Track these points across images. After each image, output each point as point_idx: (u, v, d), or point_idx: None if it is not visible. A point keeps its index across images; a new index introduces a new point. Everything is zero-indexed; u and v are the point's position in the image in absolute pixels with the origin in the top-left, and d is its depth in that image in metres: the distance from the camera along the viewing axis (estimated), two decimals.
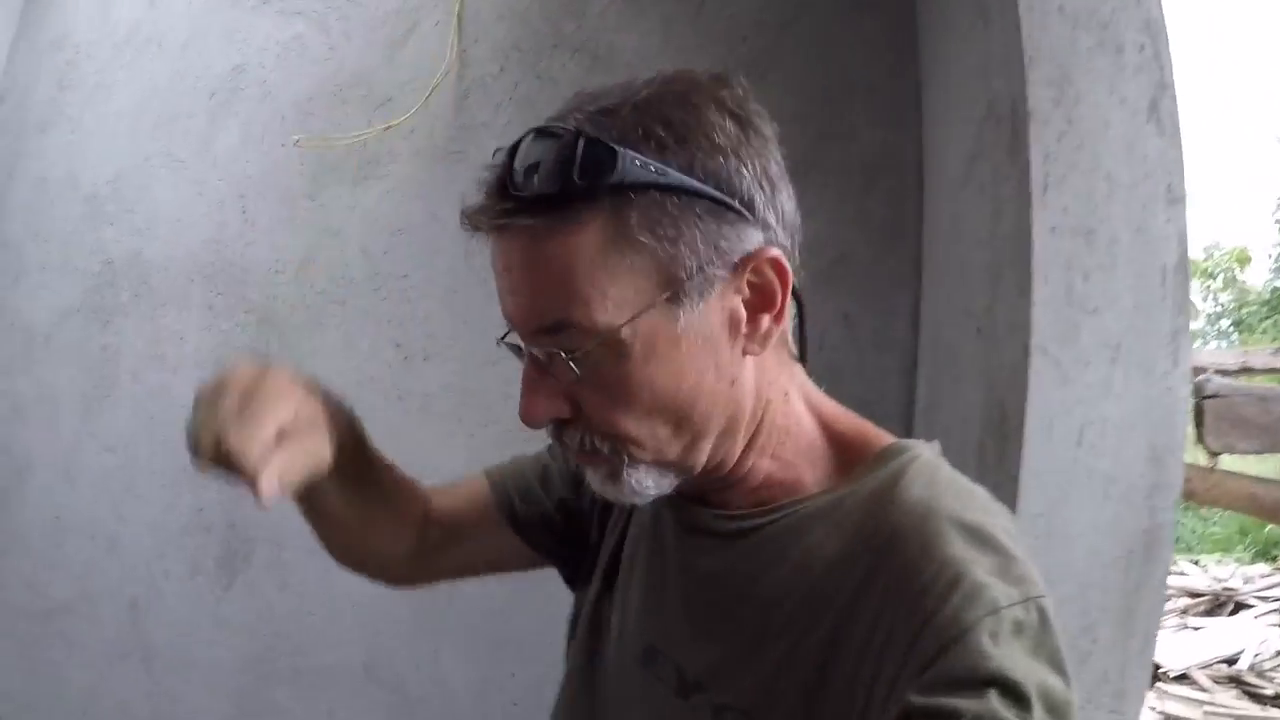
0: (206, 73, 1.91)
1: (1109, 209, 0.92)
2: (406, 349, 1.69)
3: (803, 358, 0.61)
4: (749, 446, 0.57)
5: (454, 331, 1.65)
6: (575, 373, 0.51)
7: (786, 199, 0.55)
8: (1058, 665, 0.45)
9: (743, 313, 0.53)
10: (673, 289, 0.50)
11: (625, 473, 0.54)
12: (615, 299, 0.50)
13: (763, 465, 0.58)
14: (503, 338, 0.56)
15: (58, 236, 2.02)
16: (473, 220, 0.51)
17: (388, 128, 1.69)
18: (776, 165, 0.54)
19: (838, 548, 0.52)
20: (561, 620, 0.75)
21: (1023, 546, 0.49)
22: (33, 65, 2.11)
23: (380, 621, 1.64)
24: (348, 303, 1.74)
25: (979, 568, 0.46)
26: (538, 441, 0.69)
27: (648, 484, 0.55)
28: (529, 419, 0.53)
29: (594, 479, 0.56)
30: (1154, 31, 0.94)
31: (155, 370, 1.88)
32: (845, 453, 0.58)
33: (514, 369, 0.56)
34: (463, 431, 1.62)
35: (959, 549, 0.47)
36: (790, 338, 0.59)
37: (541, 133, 0.50)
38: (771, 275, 0.53)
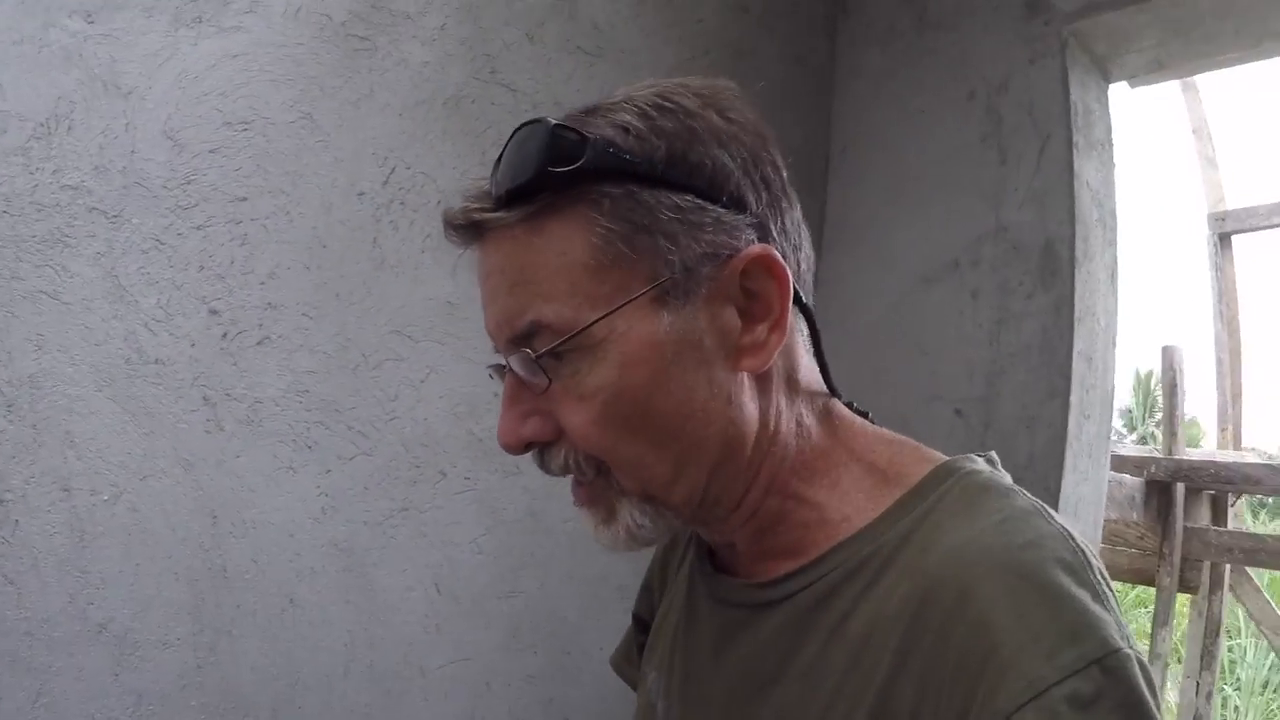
0: None
1: None
2: (226, 323, 1.04)
3: (831, 389, 0.55)
4: (754, 481, 0.51)
5: (313, 304, 1.06)
6: (547, 380, 0.47)
7: (789, 208, 0.51)
8: None
9: (737, 321, 0.49)
10: (654, 286, 0.46)
11: (618, 509, 0.50)
12: (589, 294, 0.46)
13: (775, 505, 0.52)
14: (492, 365, 0.53)
15: None
16: (452, 222, 0.49)
17: None
18: (774, 171, 0.50)
19: (874, 611, 0.46)
20: None
21: (1090, 580, 0.41)
22: None
23: None
24: (123, 219, 1.02)
25: (1021, 632, 0.39)
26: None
27: (644, 523, 0.50)
28: (506, 440, 0.49)
29: (589, 525, 0.52)
30: None
31: None
32: (882, 487, 0.51)
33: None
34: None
35: (999, 610, 0.40)
36: (803, 361, 0.53)
37: (520, 128, 0.47)
38: (767, 280, 0.48)
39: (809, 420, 0.52)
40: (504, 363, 0.50)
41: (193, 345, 1.03)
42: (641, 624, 0.71)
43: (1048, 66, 1.32)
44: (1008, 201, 1.32)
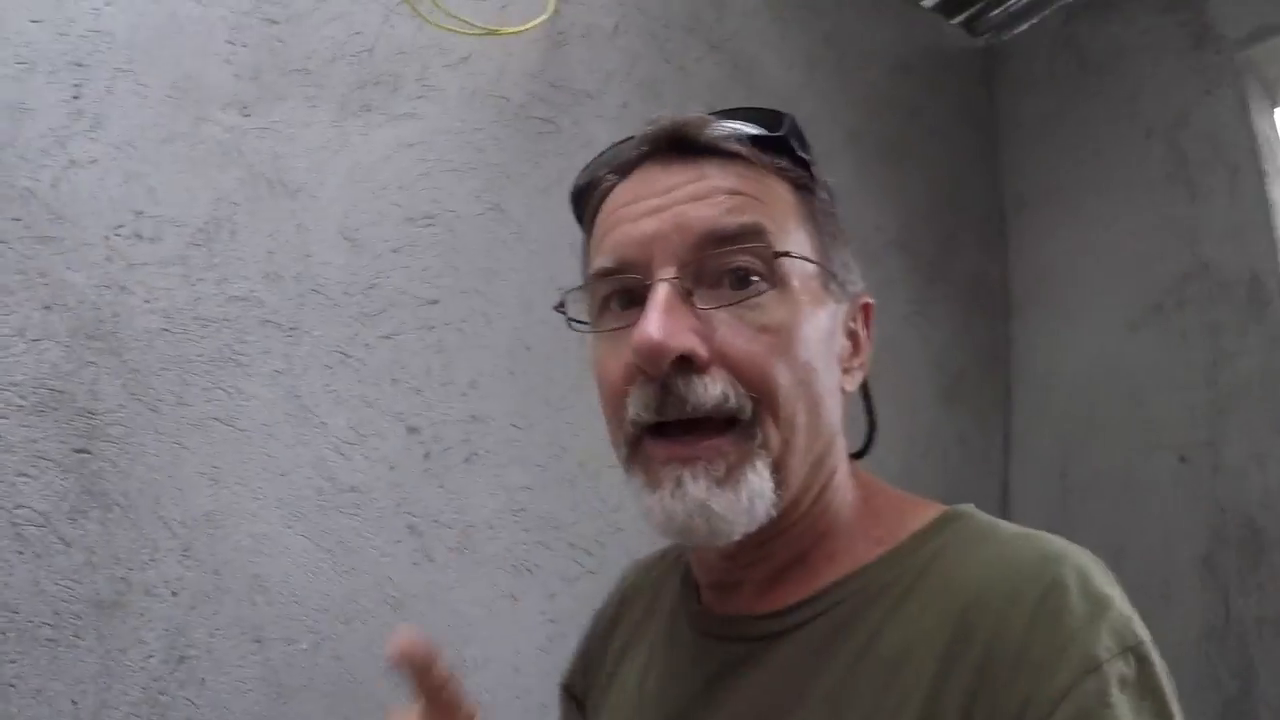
0: None
1: None
2: (427, 440, 0.89)
3: (864, 451, 0.57)
4: (822, 493, 0.51)
5: (518, 412, 0.92)
6: (769, 285, 0.47)
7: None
8: (1164, 714, 0.41)
9: (849, 344, 0.53)
10: (831, 273, 0.51)
11: (748, 468, 0.46)
12: (798, 241, 0.49)
13: (820, 535, 0.52)
14: (572, 291, 0.52)
15: None
16: (679, 131, 0.50)
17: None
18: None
19: (906, 630, 0.46)
20: None
21: (1109, 584, 0.45)
22: None
23: None
24: (302, 331, 0.89)
25: (1071, 623, 0.42)
26: None
27: (765, 493, 0.46)
28: (663, 340, 0.44)
29: (698, 487, 0.45)
30: None
31: None
32: (892, 526, 0.52)
33: None
34: None
35: (1050, 605, 0.42)
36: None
37: (732, 112, 0.52)
38: (864, 327, 0.54)
39: (839, 460, 0.54)
40: (654, 280, 0.47)
41: (391, 468, 0.89)
42: (572, 696, 0.67)
43: (1224, 96, 1.27)
44: (1204, 238, 1.26)
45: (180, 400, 0.87)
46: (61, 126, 0.91)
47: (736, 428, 0.47)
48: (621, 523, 0.99)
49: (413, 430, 0.91)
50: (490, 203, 0.98)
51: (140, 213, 0.90)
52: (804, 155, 0.52)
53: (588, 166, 0.56)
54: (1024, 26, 1.51)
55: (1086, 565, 0.45)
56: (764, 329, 0.47)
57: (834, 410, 0.51)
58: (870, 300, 0.54)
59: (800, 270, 0.48)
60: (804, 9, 1.31)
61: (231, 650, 0.84)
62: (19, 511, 0.84)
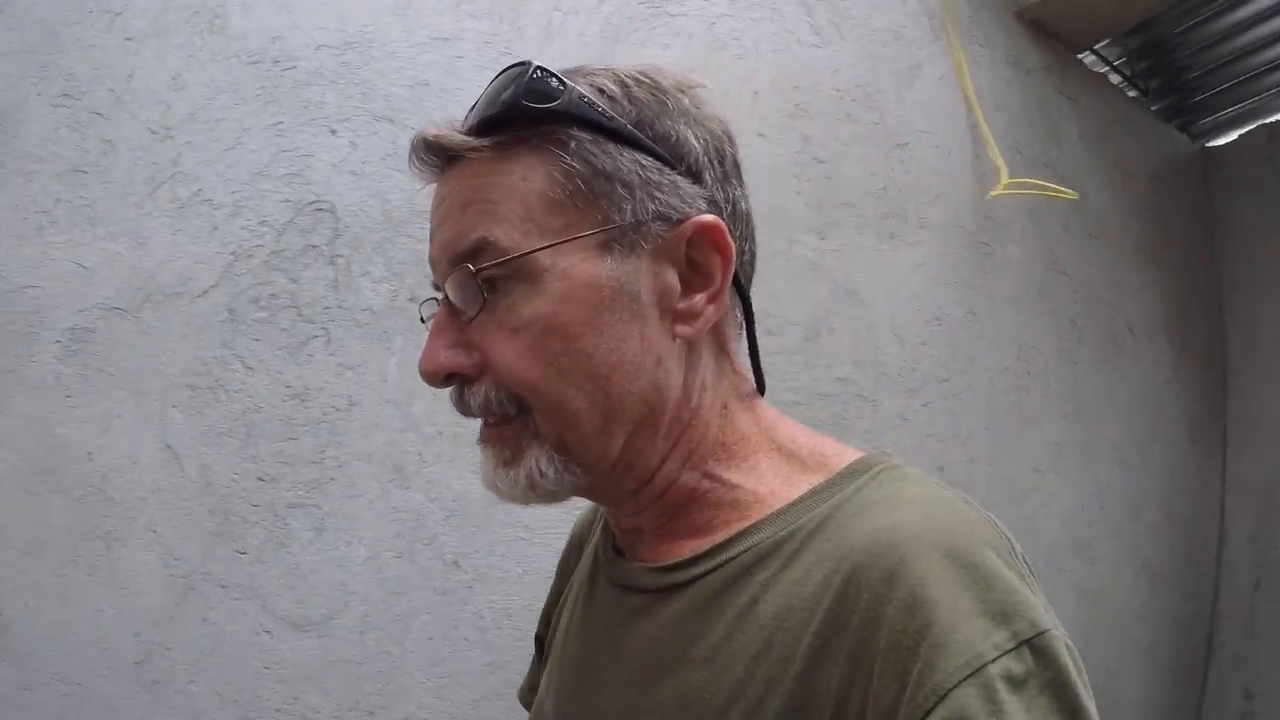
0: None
1: None
2: (950, 473, 1.28)
3: (760, 389, 0.55)
4: (670, 453, 0.50)
5: (992, 454, 1.33)
6: (483, 299, 0.47)
7: (740, 194, 0.52)
8: (1071, 711, 0.36)
9: (676, 284, 0.49)
10: (602, 230, 0.47)
11: (526, 452, 0.48)
12: (540, 224, 0.47)
13: (691, 481, 0.51)
14: (426, 299, 0.53)
15: None
16: (420, 149, 0.50)
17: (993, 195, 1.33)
18: (733, 162, 0.52)
19: (788, 594, 0.44)
20: None
21: (1016, 564, 0.41)
22: None
23: None
24: (878, 402, 1.23)
25: (955, 610, 0.37)
26: None
27: (548, 473, 0.48)
28: (429, 367, 0.48)
29: (489, 466, 0.50)
30: None
31: None
32: (802, 470, 0.50)
33: None
34: None
35: (931, 589, 0.38)
36: (734, 347, 0.53)
37: (505, 69, 0.49)
38: (711, 252, 0.49)
39: (734, 404, 0.52)
40: (438, 295, 0.50)
41: None
42: (542, 647, 0.69)
43: None
44: None
45: None
46: None
47: (514, 421, 0.49)
48: None
49: (940, 469, 1.29)
50: (967, 308, 1.36)
51: (767, 313, 1.20)
52: (540, 106, 0.47)
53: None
54: (1234, 135, 1.92)
55: (980, 539, 0.41)
56: (515, 330, 0.47)
57: (643, 373, 0.48)
58: (706, 219, 0.48)
59: (554, 253, 0.47)
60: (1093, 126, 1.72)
61: None
62: None
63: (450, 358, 0.48)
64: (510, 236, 0.46)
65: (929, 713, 0.35)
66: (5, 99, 1.10)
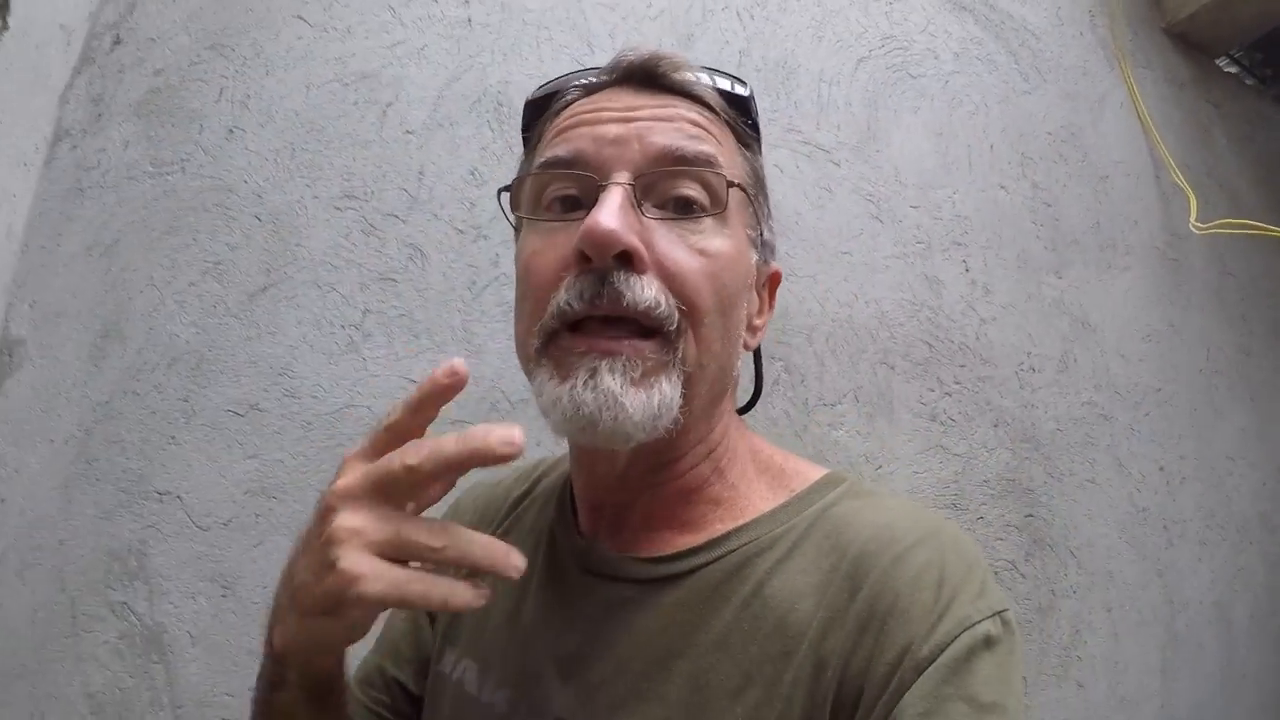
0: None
1: None
2: (1169, 471, 1.44)
3: (748, 408, 0.61)
4: (706, 437, 0.53)
5: (1197, 449, 1.50)
6: (725, 202, 0.49)
7: None
8: (1016, 680, 0.44)
9: (757, 302, 0.55)
10: (758, 232, 0.54)
11: (664, 374, 0.47)
12: (742, 180, 0.52)
13: (705, 472, 0.53)
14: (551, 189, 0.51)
15: None
16: (654, 65, 0.51)
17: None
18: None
19: (798, 578, 0.48)
20: None
21: (977, 556, 0.48)
22: None
23: None
24: (1115, 419, 1.38)
25: (952, 584, 0.45)
26: None
27: (672, 405, 0.47)
28: (619, 228, 0.45)
29: (613, 379, 0.45)
30: None
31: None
32: (779, 481, 0.55)
33: None
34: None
35: (933, 568, 0.46)
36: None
37: (730, 75, 0.56)
38: (770, 292, 0.58)
39: (732, 417, 0.56)
40: (625, 183, 0.48)
41: (1156, 494, 1.44)
42: (430, 622, 0.65)
43: None
44: None
45: (1072, 471, 1.34)
46: (968, 294, 1.29)
47: (658, 337, 0.47)
48: None
49: (1160, 469, 1.46)
50: (1168, 321, 1.52)
51: (1029, 353, 1.33)
52: (756, 121, 0.54)
53: (551, 81, 0.56)
54: None
55: (960, 537, 0.49)
56: (701, 251, 0.48)
57: (738, 353, 0.52)
58: (779, 270, 0.57)
59: (739, 211, 0.51)
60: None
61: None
62: (991, 561, 1.26)
63: (635, 235, 0.46)
64: (730, 171, 0.51)
65: (937, 656, 0.43)
66: (276, 201, 1.12)
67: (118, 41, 1.20)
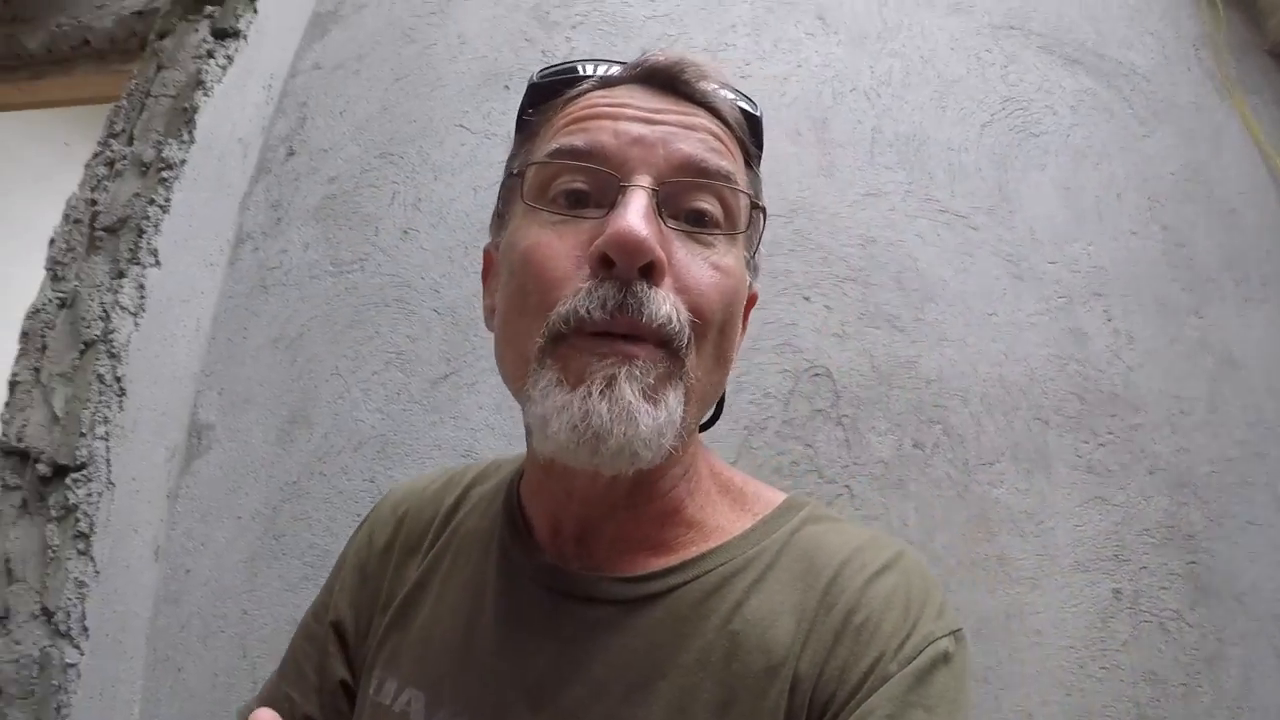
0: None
1: None
2: None
3: (708, 425, 0.59)
4: (682, 457, 0.53)
5: None
6: (746, 224, 0.51)
7: None
8: (967, 691, 0.47)
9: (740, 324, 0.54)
10: (754, 255, 0.56)
11: (671, 391, 0.46)
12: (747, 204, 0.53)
13: (683, 493, 0.54)
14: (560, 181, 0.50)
15: None
16: (679, 71, 0.51)
17: None
18: None
19: (776, 598, 0.50)
20: None
21: (930, 579, 0.52)
22: None
23: None
24: (1267, 455, 1.36)
25: (916, 605, 0.49)
26: None
27: (675, 421, 0.46)
28: (649, 236, 0.44)
29: (629, 389, 0.44)
30: None
31: None
32: (740, 503, 0.56)
33: None
34: None
35: (900, 591, 0.50)
36: None
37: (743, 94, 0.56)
38: (747, 314, 0.56)
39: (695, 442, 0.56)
40: (645, 187, 0.47)
41: None
42: (340, 634, 0.61)
43: None
44: None
45: (1231, 514, 1.31)
46: (1112, 343, 1.30)
47: (667, 349, 0.46)
48: None
49: None
50: None
51: (1177, 396, 1.32)
52: (761, 144, 0.56)
53: (564, 64, 0.55)
54: None
55: (918, 562, 0.53)
56: (716, 267, 0.49)
57: (728, 373, 0.52)
58: (757, 292, 0.58)
59: (750, 235, 0.53)
60: None
61: None
62: (1156, 611, 1.24)
63: (659, 249, 0.45)
64: (744, 187, 0.52)
65: (903, 669, 0.46)
66: (453, 295, 1.19)
67: (291, 153, 1.31)
